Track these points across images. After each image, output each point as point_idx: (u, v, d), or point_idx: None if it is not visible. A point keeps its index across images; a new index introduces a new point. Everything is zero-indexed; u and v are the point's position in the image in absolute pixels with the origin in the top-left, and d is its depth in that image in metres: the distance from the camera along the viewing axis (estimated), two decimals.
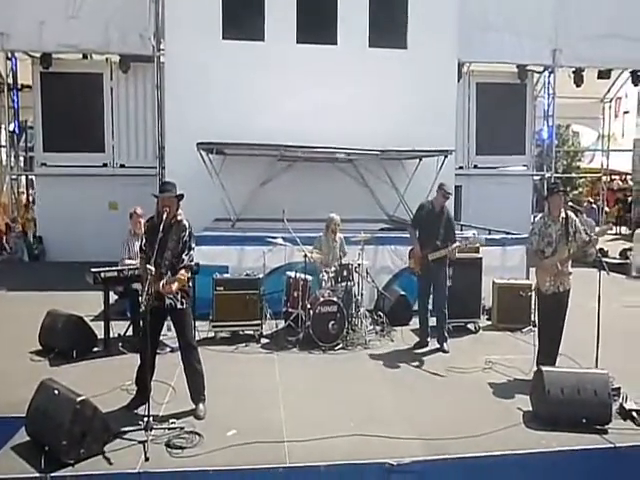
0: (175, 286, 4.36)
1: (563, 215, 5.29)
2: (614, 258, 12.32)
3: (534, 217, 12.12)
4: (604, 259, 5.31)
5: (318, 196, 9.85)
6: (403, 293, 7.38)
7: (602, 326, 4.94)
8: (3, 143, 13.99)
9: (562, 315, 5.30)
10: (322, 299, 6.35)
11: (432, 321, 6.46)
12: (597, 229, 5.89)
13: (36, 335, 6.00)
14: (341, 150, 9.74)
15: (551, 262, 5.22)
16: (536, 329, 5.60)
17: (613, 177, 20.69)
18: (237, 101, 10.26)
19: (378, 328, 6.85)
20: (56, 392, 3.97)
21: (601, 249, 8.43)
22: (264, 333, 6.67)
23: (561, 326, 5.31)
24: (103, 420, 3.94)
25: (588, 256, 5.56)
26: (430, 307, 6.47)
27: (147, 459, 3.76)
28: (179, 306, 4.51)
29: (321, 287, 6.71)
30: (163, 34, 11.09)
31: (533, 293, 5.73)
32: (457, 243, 6.23)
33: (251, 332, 6.61)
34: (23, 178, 14.79)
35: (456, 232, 6.48)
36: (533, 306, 6.55)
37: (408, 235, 6.80)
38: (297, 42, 10.56)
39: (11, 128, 13.35)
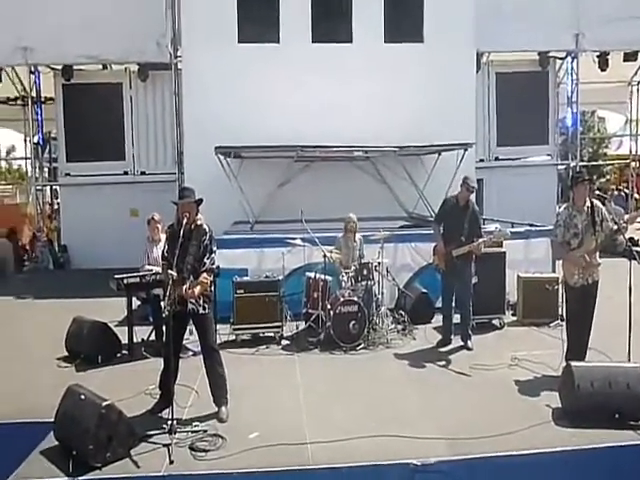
0: (198, 290, 4.39)
1: (588, 204, 5.12)
2: None
3: (559, 208, 11.81)
4: (634, 248, 5.13)
5: (336, 195, 9.80)
6: (425, 291, 7.28)
7: (634, 318, 4.77)
8: (28, 155, 14.34)
9: (591, 308, 5.15)
10: (342, 299, 6.32)
11: (456, 318, 6.36)
12: (626, 216, 5.68)
13: (62, 341, 6.13)
14: (358, 148, 9.68)
15: (579, 254, 5.06)
16: (564, 323, 5.45)
17: None
18: (254, 104, 10.28)
19: (400, 327, 6.77)
20: (82, 397, 4.05)
21: (631, 238, 8.15)
22: (285, 335, 6.66)
23: (590, 319, 5.16)
24: (128, 424, 4.00)
25: (617, 245, 5.39)
26: (453, 304, 6.36)
27: (171, 462, 3.80)
28: (201, 311, 4.54)
29: (341, 287, 6.67)
30: (180, 41, 11.21)
31: (560, 286, 5.57)
32: (482, 238, 6.09)
33: (272, 334, 6.61)
34: (47, 188, 15.11)
35: (482, 227, 6.33)
36: (560, 299, 6.39)
37: (430, 231, 6.71)
38: (312, 42, 10.54)
39: (35, 140, 13.68)
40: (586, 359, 5.02)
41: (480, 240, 6.05)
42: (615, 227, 5.04)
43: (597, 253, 5.14)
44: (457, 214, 6.14)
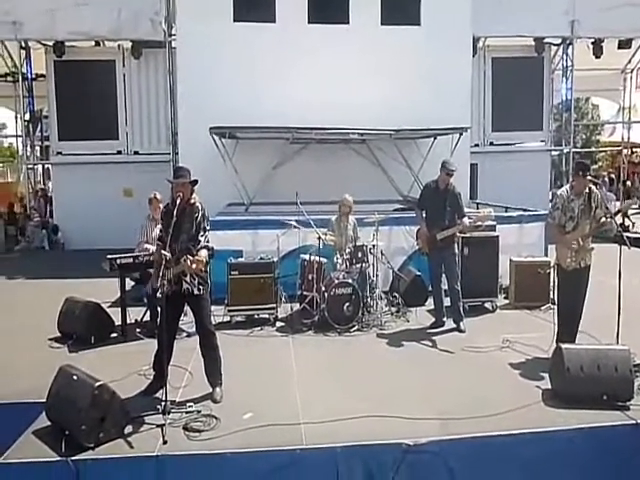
0: (195, 266, 4.25)
1: (587, 190, 5.17)
2: (635, 232, 12.05)
3: (552, 193, 11.88)
4: (625, 234, 5.18)
5: (331, 178, 9.78)
6: (419, 273, 7.30)
7: (623, 302, 4.82)
8: (19, 133, 14.12)
9: (583, 291, 5.21)
10: (337, 281, 6.33)
11: (447, 301, 6.40)
12: (624, 203, 5.78)
13: (55, 322, 6.09)
14: (354, 130, 9.62)
15: (573, 237, 5.12)
16: (555, 306, 5.51)
17: (634, 150, 20.17)
18: (249, 84, 10.17)
19: (393, 309, 6.81)
20: (75, 377, 4.02)
21: (622, 224, 8.25)
22: (279, 316, 6.68)
23: (582, 303, 5.22)
24: (121, 404, 3.99)
25: (609, 231, 5.46)
26: (445, 287, 6.40)
27: (165, 442, 3.80)
28: (196, 292, 4.49)
29: (335, 269, 6.67)
30: (174, 18, 11.01)
31: (552, 270, 5.63)
32: (466, 219, 6.14)
33: (266, 315, 6.62)
34: (39, 167, 14.95)
35: (464, 209, 6.35)
36: (552, 283, 6.44)
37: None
38: (308, 22, 10.42)
39: (27, 117, 13.47)
40: (576, 342, 5.09)
41: (464, 220, 6.08)
42: (609, 214, 5.10)
43: (590, 238, 5.19)
44: (438, 198, 6.16)
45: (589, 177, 5.17)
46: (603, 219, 5.12)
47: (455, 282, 6.26)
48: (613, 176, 18.09)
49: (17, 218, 13.89)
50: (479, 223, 6.46)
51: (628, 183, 18.24)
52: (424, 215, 6.33)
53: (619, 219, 5.51)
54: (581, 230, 5.11)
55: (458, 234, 6.27)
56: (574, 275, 5.17)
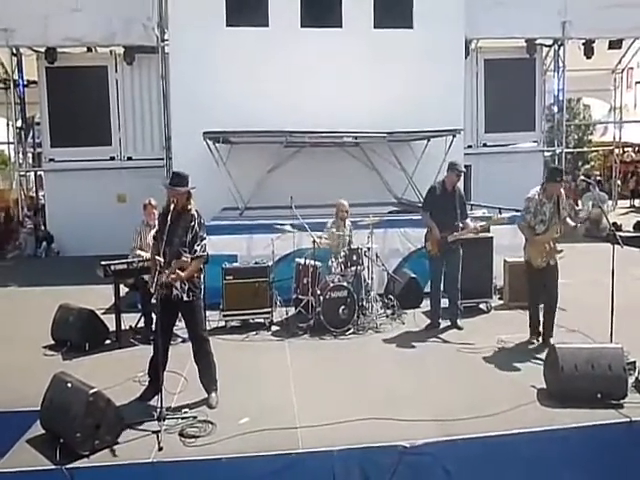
0: (184, 274, 4.28)
1: (556, 195, 5.51)
2: (628, 231, 12.11)
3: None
4: (618, 233, 5.27)
5: (326, 181, 9.78)
6: (414, 276, 7.32)
7: (616, 300, 4.87)
8: (11, 140, 14.05)
9: (549, 282, 5.57)
10: (332, 284, 6.33)
11: (443, 303, 6.42)
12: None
13: (48, 329, 6.05)
14: (348, 134, 9.63)
15: (544, 240, 5.47)
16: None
17: (625, 149, 20.29)
18: (243, 88, 10.17)
19: (389, 312, 6.82)
20: (69, 385, 4.00)
21: (614, 223, 8.31)
22: (274, 321, 6.66)
23: (555, 293, 5.55)
24: (116, 411, 3.96)
25: (601, 230, 5.70)
26: (442, 288, 6.42)
27: (161, 449, 3.78)
28: (185, 298, 4.46)
29: (330, 273, 6.67)
30: (167, 24, 11.01)
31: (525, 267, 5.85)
32: (469, 220, 6.25)
33: (261, 320, 6.62)
34: (32, 174, 14.87)
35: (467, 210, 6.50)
36: None
37: (418, 217, 6.74)
38: (301, 26, 10.43)
39: (19, 124, 13.41)
40: (569, 341, 5.12)
41: (480, 224, 6.27)
42: (576, 223, 5.64)
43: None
44: (447, 200, 6.19)
45: (582, 178, 5.41)
46: (568, 219, 5.51)
47: (458, 283, 6.31)
48: (600, 178, 18.30)
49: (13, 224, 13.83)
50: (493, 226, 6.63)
51: (618, 182, 18.35)
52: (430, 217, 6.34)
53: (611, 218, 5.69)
54: (550, 234, 5.47)
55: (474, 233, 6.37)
56: (541, 271, 5.57)
